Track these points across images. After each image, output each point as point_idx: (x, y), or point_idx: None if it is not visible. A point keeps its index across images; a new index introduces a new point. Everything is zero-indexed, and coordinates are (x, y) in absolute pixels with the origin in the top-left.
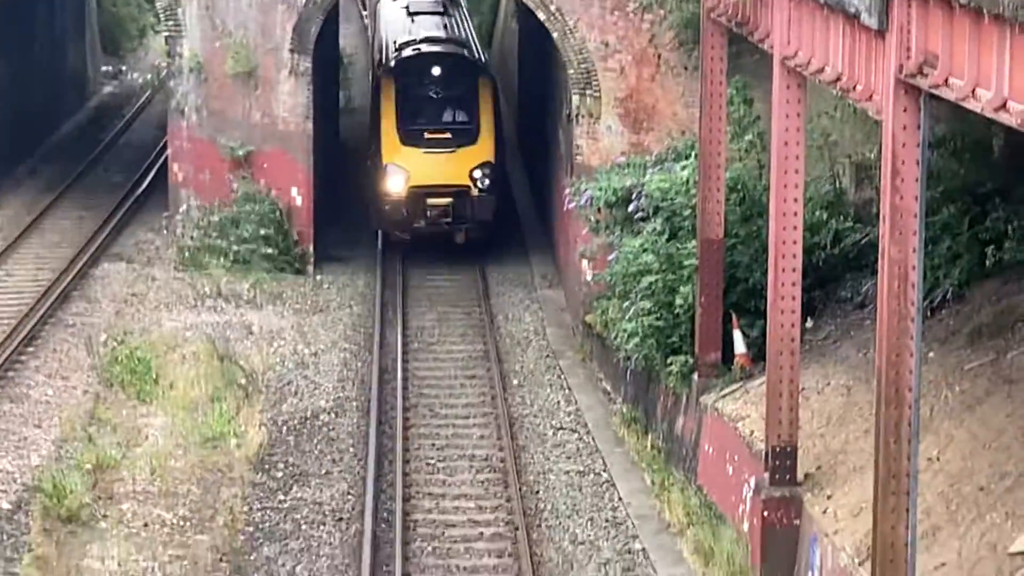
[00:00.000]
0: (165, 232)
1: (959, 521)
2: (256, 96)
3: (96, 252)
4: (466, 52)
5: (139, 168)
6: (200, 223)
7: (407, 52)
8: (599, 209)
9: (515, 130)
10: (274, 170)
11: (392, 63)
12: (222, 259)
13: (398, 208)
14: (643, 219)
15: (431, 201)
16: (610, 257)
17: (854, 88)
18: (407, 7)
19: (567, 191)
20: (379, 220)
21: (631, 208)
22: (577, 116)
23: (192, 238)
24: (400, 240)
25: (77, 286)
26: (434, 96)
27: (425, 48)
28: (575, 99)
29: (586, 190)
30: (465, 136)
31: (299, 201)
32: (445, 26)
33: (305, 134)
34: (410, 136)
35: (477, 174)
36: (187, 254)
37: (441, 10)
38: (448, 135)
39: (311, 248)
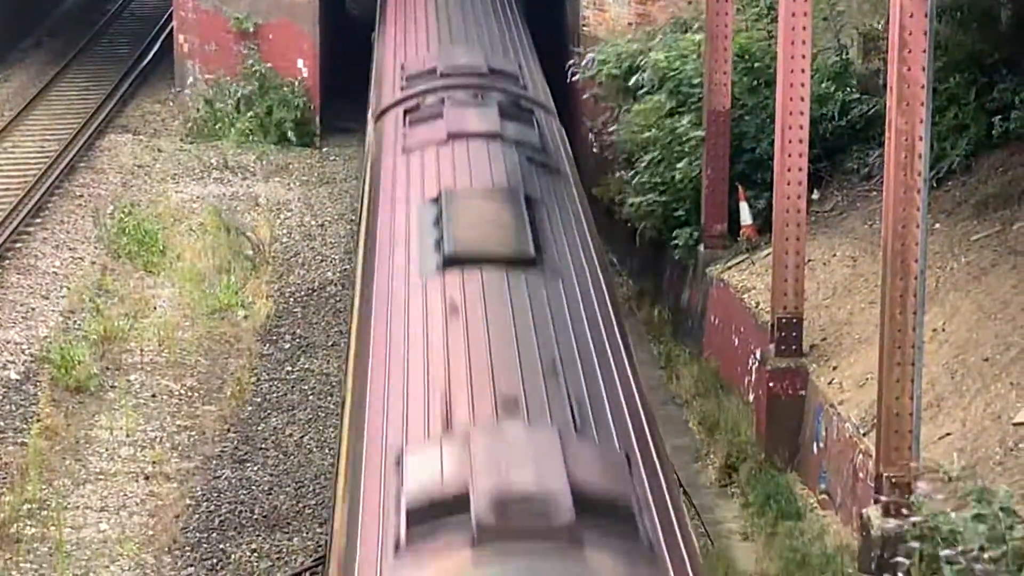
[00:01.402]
0: (172, 104)
1: (964, 392)
2: None
3: (102, 123)
4: None
5: (145, 39)
6: (207, 95)
7: None
8: (600, 83)
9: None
10: (280, 41)
11: None
12: (231, 130)
13: None
14: (648, 92)
15: None
16: (611, 128)
17: None
18: None
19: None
20: None
21: (634, 80)
22: None
23: (199, 110)
24: None
25: (83, 157)
26: None
27: None
28: None
29: (589, 54)
30: None
31: (305, 73)
32: None
33: (311, 4)
34: None
35: None
36: (195, 126)
37: None
38: None
39: (317, 120)
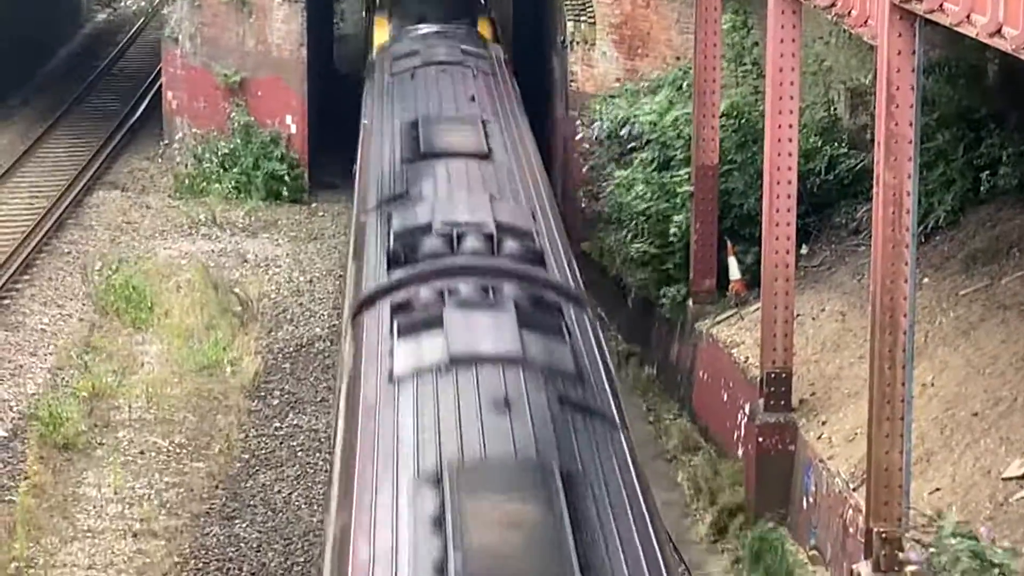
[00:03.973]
0: (160, 160)
1: (953, 446)
2: (250, 23)
3: (91, 180)
4: None
5: (133, 96)
6: (196, 151)
7: None
8: (600, 141)
9: (510, 58)
10: (269, 98)
11: None
12: (219, 186)
13: None
14: (635, 148)
15: None
16: (604, 185)
17: (849, 13)
18: None
19: (577, 122)
20: None
21: (623, 133)
22: (572, 42)
23: (187, 166)
24: None
25: (72, 214)
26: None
27: None
28: (570, 25)
29: (594, 122)
30: None
31: (294, 129)
32: None
33: (300, 61)
34: None
35: None
36: (183, 182)
37: None
38: None
39: (306, 176)
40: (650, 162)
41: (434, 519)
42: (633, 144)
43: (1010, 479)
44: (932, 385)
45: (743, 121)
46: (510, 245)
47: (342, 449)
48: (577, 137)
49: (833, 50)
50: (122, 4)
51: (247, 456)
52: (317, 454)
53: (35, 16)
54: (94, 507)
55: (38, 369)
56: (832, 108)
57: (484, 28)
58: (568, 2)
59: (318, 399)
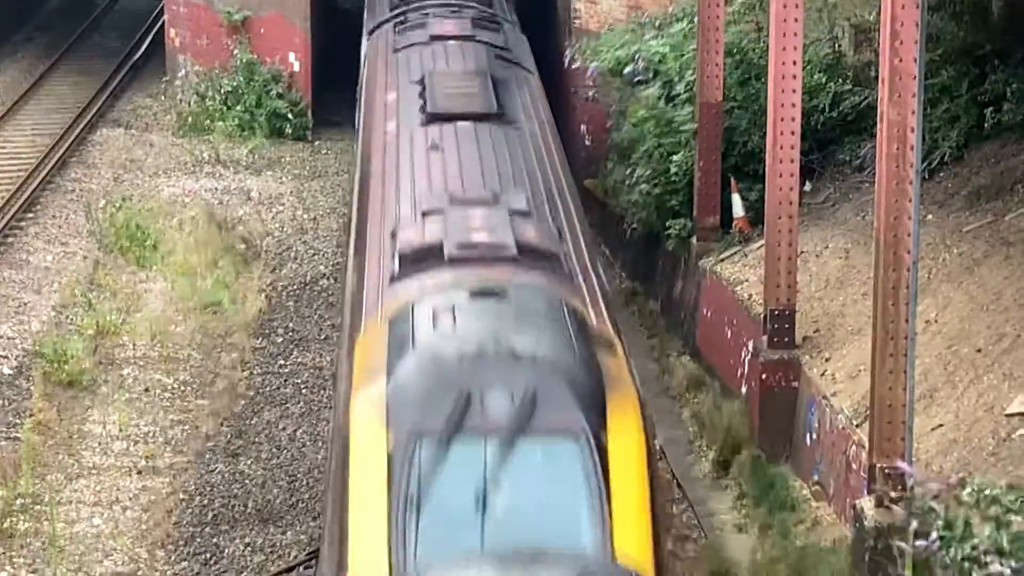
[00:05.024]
0: (163, 98)
1: (956, 383)
2: None
3: (94, 118)
4: None
5: (136, 33)
6: (199, 89)
7: None
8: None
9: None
10: (271, 35)
11: None
12: (222, 124)
13: None
14: (642, 83)
15: None
16: (609, 123)
17: None
18: None
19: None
20: None
21: (626, 72)
22: None
23: (190, 104)
24: None
25: (75, 152)
26: None
27: None
28: None
29: (592, 64)
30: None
31: (297, 67)
32: None
33: None
34: None
35: None
36: (186, 120)
37: None
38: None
39: (310, 114)
40: (657, 98)
41: None
42: (640, 78)
43: (1013, 415)
44: (935, 322)
45: (745, 58)
46: None
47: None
48: (574, 66)
49: None
50: None
51: (252, 393)
52: (321, 391)
53: None
54: (99, 444)
55: (42, 307)
56: (836, 45)
57: None
58: None
59: (322, 337)
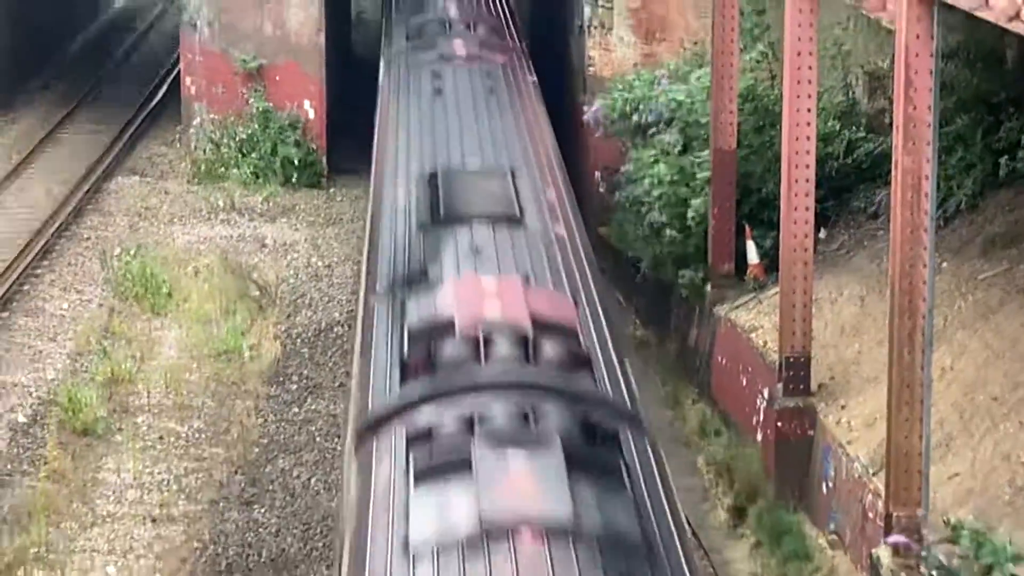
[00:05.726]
0: (178, 146)
1: (973, 431)
2: (268, 8)
3: (110, 166)
4: None
5: (152, 82)
6: (214, 137)
7: None
8: (612, 121)
9: (528, 43)
10: (286, 83)
11: None
12: (237, 172)
13: None
14: (655, 131)
15: None
16: (622, 168)
17: None
18: None
19: (584, 105)
20: None
21: (635, 119)
22: (589, 27)
23: (205, 152)
24: None
25: (91, 200)
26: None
27: None
28: (587, 10)
29: (597, 103)
30: None
31: (311, 114)
32: None
33: (317, 47)
34: None
35: None
36: (201, 167)
37: None
38: None
39: (324, 161)
40: (672, 145)
41: None
42: (652, 127)
43: None
44: (951, 369)
45: (760, 105)
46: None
47: None
48: (584, 117)
49: (851, 34)
50: None
51: (265, 441)
52: (336, 439)
53: (54, 2)
54: (113, 492)
55: (57, 355)
56: (850, 92)
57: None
58: None
59: (336, 384)
